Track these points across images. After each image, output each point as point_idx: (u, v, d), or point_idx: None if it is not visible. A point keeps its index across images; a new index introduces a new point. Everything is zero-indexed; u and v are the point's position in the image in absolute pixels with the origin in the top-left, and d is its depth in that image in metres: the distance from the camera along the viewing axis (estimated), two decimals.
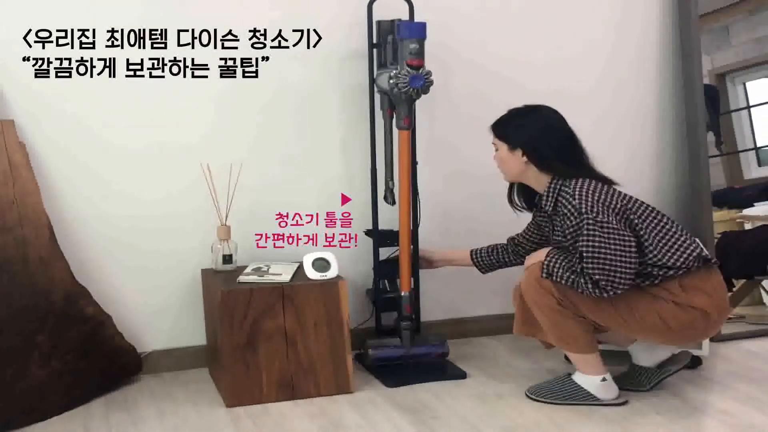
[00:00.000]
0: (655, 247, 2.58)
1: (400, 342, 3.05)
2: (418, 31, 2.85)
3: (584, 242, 2.52)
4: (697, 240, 2.68)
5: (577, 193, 2.58)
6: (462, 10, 3.30)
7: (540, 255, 2.68)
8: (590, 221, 2.53)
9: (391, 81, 2.86)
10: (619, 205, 2.58)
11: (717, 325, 2.72)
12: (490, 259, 3.09)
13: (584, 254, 2.51)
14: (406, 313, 3.05)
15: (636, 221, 2.59)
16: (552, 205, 2.69)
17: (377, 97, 3.08)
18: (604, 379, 2.69)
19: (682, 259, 2.57)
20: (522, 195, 2.89)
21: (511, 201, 2.91)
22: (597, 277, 2.49)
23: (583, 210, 2.54)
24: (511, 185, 2.89)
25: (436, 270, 3.37)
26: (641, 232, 2.59)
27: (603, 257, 2.49)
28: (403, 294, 3.06)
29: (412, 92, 2.86)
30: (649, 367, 2.80)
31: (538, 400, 2.73)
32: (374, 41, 3.05)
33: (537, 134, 2.70)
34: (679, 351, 2.82)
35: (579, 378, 2.71)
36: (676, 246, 2.59)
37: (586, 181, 2.62)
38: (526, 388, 2.80)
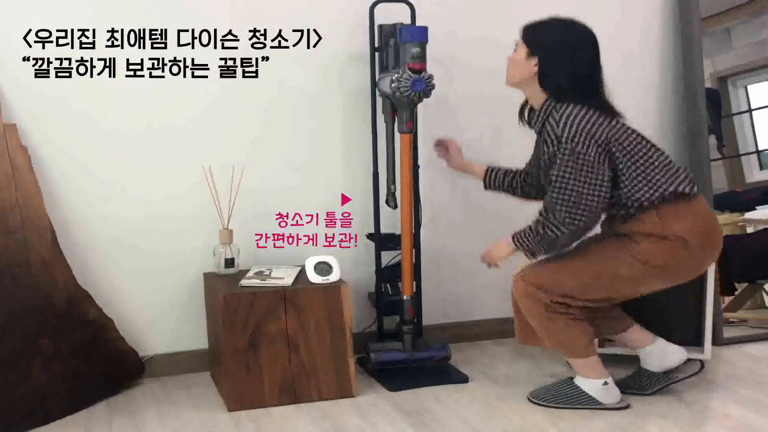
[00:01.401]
0: (630, 182, 2.55)
1: (402, 346, 3.05)
2: (420, 35, 2.86)
3: (556, 171, 2.52)
4: (682, 172, 2.62)
5: (563, 120, 2.53)
6: (463, 14, 3.30)
7: (500, 243, 2.72)
8: (567, 151, 2.51)
9: (393, 85, 2.86)
10: (603, 137, 2.53)
11: (704, 254, 2.64)
12: (499, 181, 3.03)
13: (553, 182, 2.52)
14: (408, 317, 3.05)
15: (618, 154, 2.55)
16: (540, 126, 2.66)
17: (379, 100, 3.08)
18: (605, 383, 2.68)
19: (656, 195, 2.54)
20: (524, 115, 2.83)
21: (521, 115, 2.82)
22: (559, 206, 2.51)
23: (563, 138, 2.51)
24: (526, 101, 2.80)
25: (438, 274, 3.38)
26: (620, 166, 2.55)
27: (571, 189, 2.50)
28: (405, 298, 3.05)
29: (414, 96, 2.87)
30: (656, 372, 2.79)
31: (540, 404, 2.73)
32: (376, 45, 3.05)
33: (558, 50, 2.63)
34: (689, 360, 2.82)
35: (581, 382, 2.71)
36: (652, 182, 2.55)
37: (577, 107, 2.55)
38: (529, 392, 2.79)
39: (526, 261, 2.75)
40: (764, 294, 3.89)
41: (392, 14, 3.05)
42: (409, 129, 2.97)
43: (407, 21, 3.05)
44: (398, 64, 2.92)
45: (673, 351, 2.81)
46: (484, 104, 3.35)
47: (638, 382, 2.80)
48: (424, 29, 2.88)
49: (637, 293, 2.72)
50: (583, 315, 2.66)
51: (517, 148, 3.45)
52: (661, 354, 2.80)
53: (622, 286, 2.64)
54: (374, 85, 3.06)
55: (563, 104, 2.57)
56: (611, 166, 2.54)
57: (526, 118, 2.79)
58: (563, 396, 2.71)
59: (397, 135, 3.07)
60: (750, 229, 3.72)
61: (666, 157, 2.64)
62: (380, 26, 3.03)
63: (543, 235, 2.58)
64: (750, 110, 3.76)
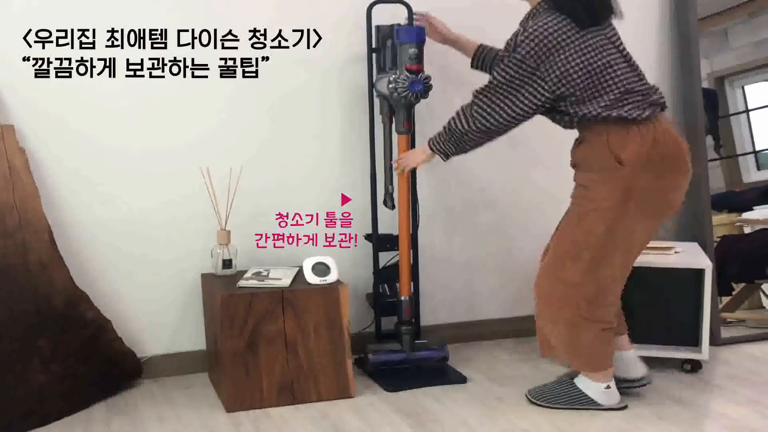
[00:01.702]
0: (578, 101, 2.49)
1: (401, 346, 3.05)
2: (417, 36, 2.86)
3: (498, 70, 2.50)
4: (640, 98, 2.52)
5: (530, 30, 2.46)
6: (460, 14, 3.30)
7: (417, 149, 2.80)
8: (514, 60, 2.46)
9: (391, 86, 2.86)
10: (563, 56, 2.45)
11: (664, 181, 2.52)
12: (488, 62, 2.99)
13: (490, 80, 2.51)
14: (406, 317, 3.05)
15: (575, 76, 2.46)
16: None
17: (377, 101, 3.08)
18: (608, 387, 2.67)
19: (602, 115, 2.47)
20: None
21: None
22: (479, 102, 2.51)
23: (519, 48, 2.46)
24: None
25: (436, 274, 3.38)
26: (571, 90, 2.47)
27: (500, 93, 2.49)
28: (403, 298, 3.05)
29: (412, 97, 2.86)
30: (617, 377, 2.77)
31: (538, 404, 2.73)
32: (373, 45, 3.05)
33: None
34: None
35: (582, 383, 2.70)
36: (601, 105, 2.47)
37: (556, 19, 2.46)
38: (527, 391, 2.80)
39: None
40: (762, 294, 3.89)
41: (390, 15, 3.05)
42: (407, 129, 2.97)
43: (404, 22, 3.05)
44: (395, 65, 2.92)
45: (640, 365, 2.81)
46: None
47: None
48: (421, 30, 2.89)
49: (635, 243, 2.59)
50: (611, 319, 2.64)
51: (514, 145, 3.46)
52: (633, 362, 2.80)
53: (611, 242, 2.53)
54: (372, 85, 3.07)
55: (545, 13, 2.49)
56: (558, 88, 2.47)
57: None
58: (563, 396, 2.71)
59: (394, 135, 3.07)
60: (747, 230, 3.72)
61: (633, 83, 2.52)
62: (378, 27, 3.03)
63: (453, 129, 2.59)
64: (747, 110, 3.76)
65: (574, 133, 2.70)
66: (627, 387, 2.78)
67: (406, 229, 3.03)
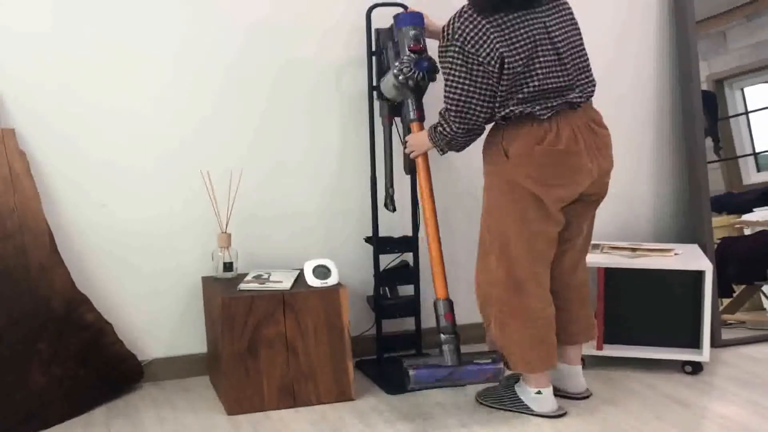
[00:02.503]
0: (502, 98, 2.49)
1: (444, 359, 2.59)
2: (415, 19, 2.82)
3: (448, 70, 2.49)
4: (542, 99, 2.49)
5: (462, 18, 2.46)
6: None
7: (422, 134, 2.70)
8: (457, 48, 2.46)
9: (395, 71, 2.75)
10: (492, 39, 2.43)
11: (546, 175, 2.51)
12: None
13: (445, 81, 2.51)
14: (446, 323, 2.60)
15: (511, 62, 2.44)
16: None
17: (376, 104, 3.09)
18: (539, 392, 2.65)
19: (504, 112, 2.49)
20: None
21: None
22: (449, 107, 2.51)
23: (455, 35, 2.46)
24: None
25: None
26: (502, 80, 2.47)
27: (462, 88, 2.48)
28: (439, 300, 2.65)
29: (418, 76, 2.74)
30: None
31: (483, 404, 2.77)
32: (373, 48, 3.06)
33: None
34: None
35: (518, 387, 2.71)
36: (513, 103, 2.47)
37: (476, 16, 2.45)
38: (477, 392, 2.83)
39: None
40: (762, 296, 3.89)
41: (390, 19, 3.05)
42: (419, 117, 2.80)
43: None
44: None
45: (581, 382, 2.82)
46: None
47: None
48: (419, 14, 2.83)
49: (535, 235, 2.57)
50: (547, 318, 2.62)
51: None
52: (578, 377, 2.81)
53: (511, 235, 2.55)
54: (372, 88, 3.07)
55: (469, 5, 2.49)
56: (497, 72, 2.45)
57: None
58: (504, 399, 2.72)
59: (395, 137, 3.08)
60: (747, 231, 3.72)
61: (552, 80, 2.49)
62: (377, 30, 3.04)
63: (440, 133, 2.59)
64: (746, 112, 3.77)
65: None
66: (567, 398, 2.79)
67: (434, 224, 2.71)
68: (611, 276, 3.09)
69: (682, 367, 3.07)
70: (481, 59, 2.44)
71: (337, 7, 3.14)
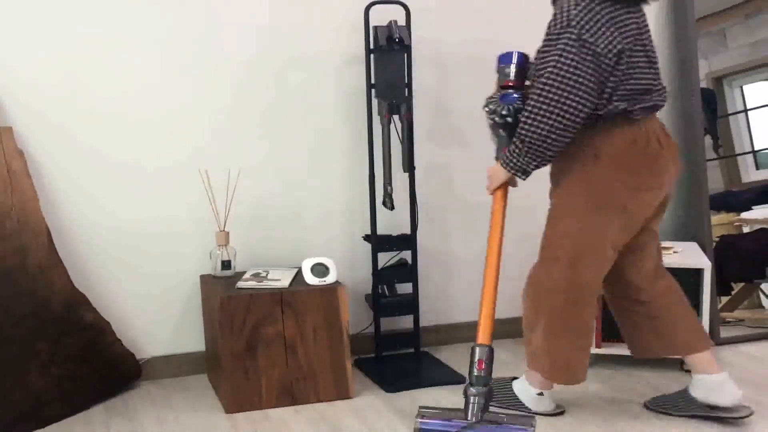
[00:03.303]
0: (612, 90, 2.35)
1: (466, 413, 2.27)
2: (509, 58, 2.57)
3: (557, 58, 2.29)
4: (641, 94, 2.40)
5: (583, 3, 2.29)
6: (457, 13, 3.31)
7: (495, 168, 2.49)
8: (573, 36, 2.27)
9: (485, 108, 2.54)
10: (611, 32, 2.30)
11: (636, 178, 2.39)
12: None
13: (550, 70, 2.29)
14: (478, 373, 2.29)
15: (623, 58, 2.33)
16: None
17: (374, 102, 3.09)
18: (540, 394, 2.62)
19: (608, 110, 2.36)
20: None
21: None
22: (547, 99, 2.28)
23: (573, 22, 2.28)
24: None
25: (434, 274, 3.38)
26: (617, 72, 2.34)
27: (569, 78, 2.27)
28: (477, 346, 2.34)
29: (502, 111, 2.47)
30: (696, 399, 2.58)
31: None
32: (371, 46, 3.06)
33: None
34: (740, 405, 2.53)
35: (517, 385, 2.66)
36: (607, 97, 2.35)
37: None
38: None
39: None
40: (761, 294, 3.89)
41: (388, 15, 3.06)
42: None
43: (402, 22, 3.06)
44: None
45: (731, 390, 2.55)
46: (477, 98, 3.35)
47: (670, 403, 2.65)
48: (517, 53, 2.57)
49: (607, 243, 2.45)
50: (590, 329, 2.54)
51: None
52: (716, 389, 2.56)
53: (585, 242, 2.43)
54: (369, 86, 3.06)
55: None
56: (612, 68, 2.31)
57: None
58: (500, 397, 2.67)
59: (393, 135, 3.08)
60: (746, 229, 3.72)
61: (648, 79, 2.41)
62: (375, 27, 3.03)
63: (530, 136, 2.33)
64: (746, 110, 3.76)
65: None
66: (721, 416, 2.54)
67: (494, 267, 2.43)
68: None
69: (680, 365, 3.07)
70: (599, 50, 2.27)
71: (335, 5, 3.13)
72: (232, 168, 3.05)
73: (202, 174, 3.02)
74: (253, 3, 3.05)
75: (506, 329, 3.51)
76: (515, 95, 2.47)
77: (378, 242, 3.16)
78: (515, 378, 2.72)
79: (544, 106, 2.30)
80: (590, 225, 2.43)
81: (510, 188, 2.55)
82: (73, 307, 2.79)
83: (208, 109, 3.05)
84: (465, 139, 3.35)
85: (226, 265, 2.97)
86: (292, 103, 3.15)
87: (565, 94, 2.28)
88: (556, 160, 2.44)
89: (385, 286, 3.19)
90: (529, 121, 2.33)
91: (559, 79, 2.28)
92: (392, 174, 3.11)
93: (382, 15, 3.06)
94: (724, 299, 3.63)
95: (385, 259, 3.20)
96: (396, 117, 3.09)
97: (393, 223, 3.25)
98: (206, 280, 2.99)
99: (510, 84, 2.51)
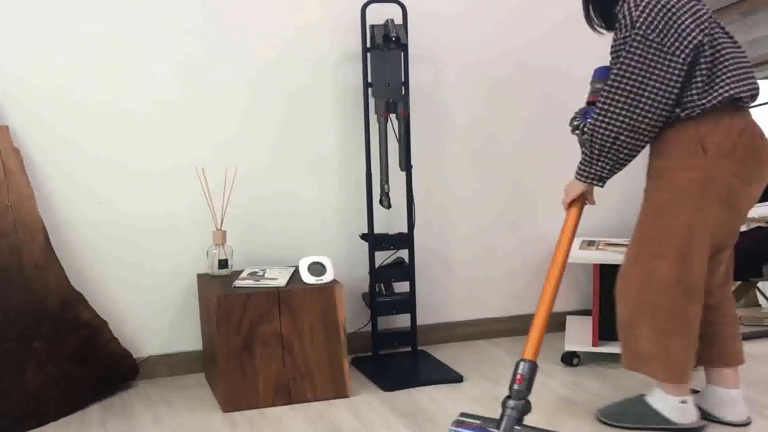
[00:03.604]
0: (694, 85, 2.27)
1: (500, 424, 2.26)
2: (605, 74, 2.48)
3: (621, 59, 2.24)
4: (745, 77, 2.33)
5: (644, 2, 2.23)
6: (456, 12, 3.31)
7: (570, 184, 2.42)
8: (639, 38, 2.22)
9: (572, 125, 2.50)
10: (685, 25, 2.22)
11: (746, 169, 2.30)
12: None
13: (615, 72, 2.24)
14: (518, 386, 2.28)
15: (706, 49, 2.25)
16: (620, 11, 2.32)
17: (371, 100, 3.08)
18: (683, 401, 2.45)
19: (714, 101, 2.26)
20: (598, 10, 2.49)
21: (589, 20, 2.52)
22: (618, 99, 2.23)
23: (638, 23, 2.22)
24: (587, 3, 2.51)
25: (431, 273, 3.38)
26: (696, 67, 2.25)
27: (635, 80, 2.22)
28: (522, 361, 2.31)
29: (584, 127, 2.42)
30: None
31: (608, 424, 2.54)
32: (368, 45, 3.06)
33: None
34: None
35: (654, 399, 2.49)
36: (714, 86, 2.27)
37: None
38: (597, 410, 2.63)
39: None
40: (758, 292, 3.90)
41: (385, 15, 3.06)
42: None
43: (398, 21, 3.06)
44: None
45: (741, 409, 2.55)
46: (474, 97, 3.36)
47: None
48: (606, 69, 2.49)
49: (712, 236, 2.36)
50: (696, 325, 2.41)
51: (510, 138, 3.46)
52: (739, 403, 2.54)
53: (692, 235, 2.33)
54: (366, 85, 3.06)
55: None
56: (689, 59, 2.24)
57: (597, 22, 2.51)
58: (633, 415, 2.51)
59: (390, 134, 3.08)
60: (743, 228, 3.73)
61: (743, 65, 2.33)
62: (372, 26, 3.03)
63: (598, 142, 2.29)
64: None
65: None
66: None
67: (555, 282, 2.37)
68: (607, 272, 3.09)
69: None
70: (666, 48, 2.21)
71: (331, 4, 3.13)
72: (229, 167, 3.05)
73: (199, 173, 3.01)
74: (250, 3, 3.05)
75: (505, 327, 3.52)
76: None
77: (375, 241, 3.15)
78: (643, 394, 2.55)
79: (612, 108, 2.26)
80: (699, 219, 2.33)
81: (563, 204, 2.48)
82: (69, 305, 2.79)
83: (204, 108, 3.05)
84: (462, 138, 3.35)
85: (223, 264, 2.97)
86: (289, 102, 3.14)
87: (631, 95, 2.24)
88: (656, 154, 2.38)
89: (382, 285, 3.19)
90: (597, 124, 2.30)
91: (625, 80, 2.24)
92: (389, 173, 3.11)
93: (379, 14, 3.06)
94: None
95: (382, 257, 3.20)
96: (393, 116, 3.09)
97: (390, 221, 3.25)
98: (203, 279, 2.99)
99: (596, 100, 2.44)
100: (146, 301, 3.06)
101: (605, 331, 3.11)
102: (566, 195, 2.46)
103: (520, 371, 2.28)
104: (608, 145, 2.30)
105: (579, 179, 2.40)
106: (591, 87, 2.52)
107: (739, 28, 3.74)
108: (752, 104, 2.37)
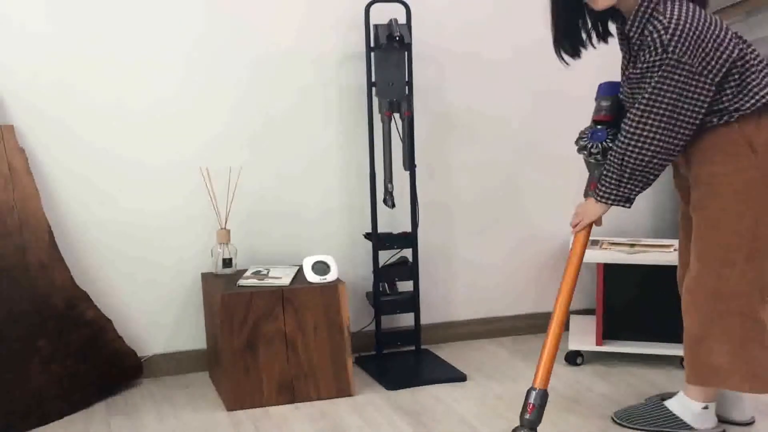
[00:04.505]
0: (727, 94, 2.25)
1: None
2: (610, 90, 2.50)
3: (654, 82, 2.21)
4: None
5: (673, 24, 2.18)
6: (456, 12, 3.31)
7: (587, 205, 2.39)
8: (672, 62, 2.18)
9: (578, 145, 2.48)
10: (711, 43, 2.20)
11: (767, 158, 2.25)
12: None
13: (648, 94, 2.21)
14: (529, 415, 2.28)
15: (728, 63, 2.22)
16: (638, 31, 2.28)
17: (375, 100, 3.09)
18: (706, 407, 2.43)
19: (752, 106, 2.24)
20: (569, 38, 2.45)
21: (557, 47, 2.47)
22: (651, 121, 2.21)
23: (670, 48, 2.17)
24: (558, 27, 2.44)
25: (434, 272, 3.39)
26: (728, 81, 2.24)
27: (668, 102, 2.20)
28: (532, 390, 2.30)
29: (592, 148, 2.41)
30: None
31: (625, 426, 2.53)
32: (372, 45, 3.06)
33: None
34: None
35: (674, 404, 2.48)
36: (749, 91, 2.25)
37: (684, 5, 2.20)
38: (614, 412, 2.62)
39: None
40: None
41: (388, 14, 3.06)
42: (593, 190, 2.42)
43: (402, 20, 3.06)
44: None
45: (747, 407, 2.56)
46: (475, 96, 3.36)
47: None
48: (616, 84, 2.49)
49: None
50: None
51: (514, 138, 3.46)
52: (743, 402, 2.55)
53: (761, 235, 2.28)
54: (370, 84, 3.07)
55: (667, 3, 2.22)
56: (718, 80, 2.22)
57: (565, 48, 2.47)
58: (651, 418, 2.50)
59: (394, 133, 3.08)
60: None
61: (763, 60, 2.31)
62: (375, 26, 3.03)
63: (630, 164, 2.26)
64: None
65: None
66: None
67: (564, 309, 2.39)
68: (610, 271, 3.09)
69: (680, 362, 3.07)
70: (696, 70, 2.19)
71: (335, 3, 3.14)
72: (234, 166, 3.05)
73: (203, 172, 3.02)
74: (254, 2, 3.05)
75: (509, 326, 3.52)
76: (601, 134, 2.41)
77: (379, 240, 3.16)
78: (663, 398, 2.55)
79: (646, 132, 2.24)
80: (764, 219, 2.27)
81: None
82: (74, 304, 2.80)
83: (208, 107, 3.05)
84: (465, 137, 3.35)
85: (227, 262, 2.98)
86: (294, 101, 3.15)
87: (665, 118, 2.22)
88: (699, 161, 2.33)
89: (386, 284, 3.19)
90: (630, 148, 2.26)
91: (658, 104, 2.22)
92: (393, 172, 3.12)
93: (383, 13, 3.06)
94: None
95: (386, 257, 3.21)
96: (396, 115, 3.09)
97: (394, 221, 3.25)
98: (207, 278, 3.00)
99: (602, 119, 2.43)
100: (151, 299, 3.07)
101: (609, 330, 3.11)
102: (583, 217, 2.42)
103: (531, 400, 2.26)
104: (641, 167, 2.27)
105: (602, 201, 2.35)
106: (596, 104, 2.50)
107: (741, 28, 3.74)
108: None
